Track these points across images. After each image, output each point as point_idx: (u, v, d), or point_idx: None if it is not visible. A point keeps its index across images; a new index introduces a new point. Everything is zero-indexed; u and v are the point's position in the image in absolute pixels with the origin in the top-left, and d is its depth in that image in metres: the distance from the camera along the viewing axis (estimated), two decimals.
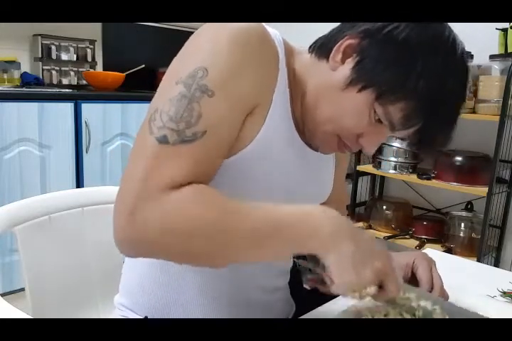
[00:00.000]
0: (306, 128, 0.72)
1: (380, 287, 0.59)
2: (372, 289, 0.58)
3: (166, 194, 0.55)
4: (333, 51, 0.66)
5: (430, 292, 0.74)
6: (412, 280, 0.76)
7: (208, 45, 0.62)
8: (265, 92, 0.66)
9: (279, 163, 0.70)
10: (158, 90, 0.62)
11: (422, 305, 0.66)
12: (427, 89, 0.61)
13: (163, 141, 0.57)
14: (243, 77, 0.61)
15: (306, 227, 0.57)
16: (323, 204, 0.84)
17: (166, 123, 0.58)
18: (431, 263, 0.78)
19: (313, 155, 0.76)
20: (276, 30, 0.70)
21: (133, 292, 0.80)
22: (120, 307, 0.82)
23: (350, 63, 0.65)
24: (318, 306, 0.77)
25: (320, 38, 0.71)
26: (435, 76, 0.61)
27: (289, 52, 0.72)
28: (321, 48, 0.69)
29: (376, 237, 2.39)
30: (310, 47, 0.72)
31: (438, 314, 0.65)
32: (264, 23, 0.67)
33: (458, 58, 0.64)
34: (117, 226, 0.57)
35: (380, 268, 0.58)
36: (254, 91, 0.63)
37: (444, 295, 0.75)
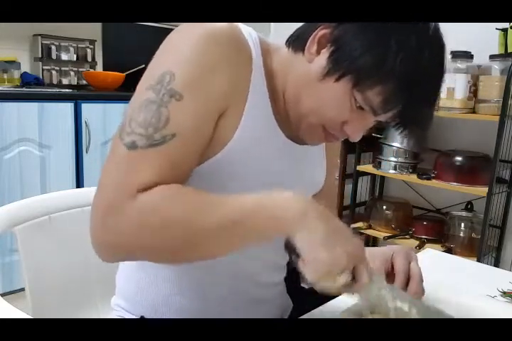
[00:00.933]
0: (291, 123, 0.72)
1: (353, 279, 0.58)
2: (345, 275, 0.57)
3: (135, 198, 0.56)
4: (307, 43, 0.66)
5: (406, 284, 0.72)
6: (392, 275, 0.74)
7: (176, 47, 0.63)
8: (237, 92, 0.65)
9: (261, 161, 0.70)
10: (133, 95, 0.63)
11: (398, 306, 0.64)
12: (404, 69, 0.61)
13: (132, 146, 0.58)
14: (212, 78, 0.62)
15: (270, 213, 0.56)
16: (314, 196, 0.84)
17: (134, 128, 0.59)
18: (410, 255, 0.75)
19: (300, 149, 0.76)
20: (251, 28, 0.70)
21: (129, 293, 0.80)
22: (117, 308, 0.82)
23: (325, 53, 0.65)
24: (318, 306, 0.77)
25: (295, 31, 0.70)
26: (410, 55, 0.61)
27: (266, 50, 0.71)
28: (297, 41, 0.69)
29: (375, 237, 2.39)
30: (287, 41, 0.71)
31: (414, 317, 0.63)
32: (245, 23, 0.67)
33: (432, 35, 0.63)
34: (93, 235, 0.58)
35: (352, 250, 0.57)
36: (224, 91, 0.63)
37: (420, 290, 0.72)
